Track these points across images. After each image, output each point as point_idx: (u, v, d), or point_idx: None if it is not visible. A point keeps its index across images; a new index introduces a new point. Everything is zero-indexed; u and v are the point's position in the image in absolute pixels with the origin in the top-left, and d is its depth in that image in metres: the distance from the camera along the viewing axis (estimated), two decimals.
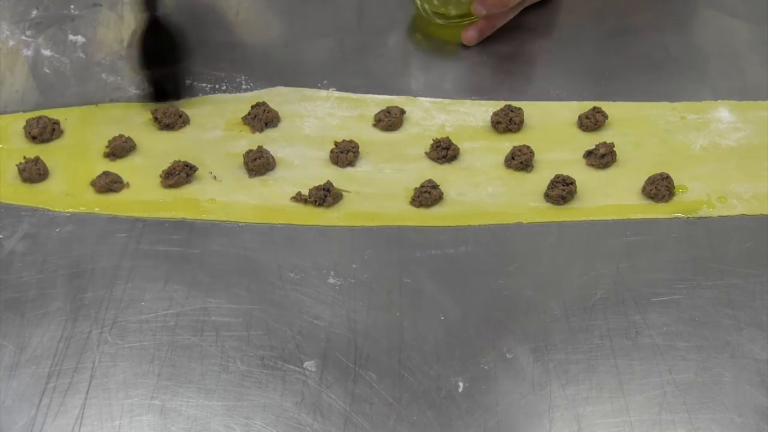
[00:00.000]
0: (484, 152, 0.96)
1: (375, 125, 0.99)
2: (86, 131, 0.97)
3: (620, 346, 0.80)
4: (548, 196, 0.92)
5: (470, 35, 1.05)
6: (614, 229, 0.89)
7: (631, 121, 0.99)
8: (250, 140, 0.97)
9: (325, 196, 0.90)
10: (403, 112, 0.99)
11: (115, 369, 0.77)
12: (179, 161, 0.92)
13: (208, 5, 1.12)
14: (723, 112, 1.00)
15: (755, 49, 1.08)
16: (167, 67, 0.99)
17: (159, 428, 0.74)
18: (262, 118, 0.97)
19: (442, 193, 0.92)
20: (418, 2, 1.06)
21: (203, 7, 1.11)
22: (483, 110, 1.00)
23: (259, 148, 0.94)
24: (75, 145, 0.96)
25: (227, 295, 0.83)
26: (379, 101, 1.01)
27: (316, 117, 0.99)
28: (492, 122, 0.98)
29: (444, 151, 0.95)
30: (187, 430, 0.74)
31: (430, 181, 0.92)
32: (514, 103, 0.99)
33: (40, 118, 0.96)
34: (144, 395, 0.76)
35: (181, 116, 0.98)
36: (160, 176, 0.92)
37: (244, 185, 0.93)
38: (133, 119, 0.98)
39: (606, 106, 0.99)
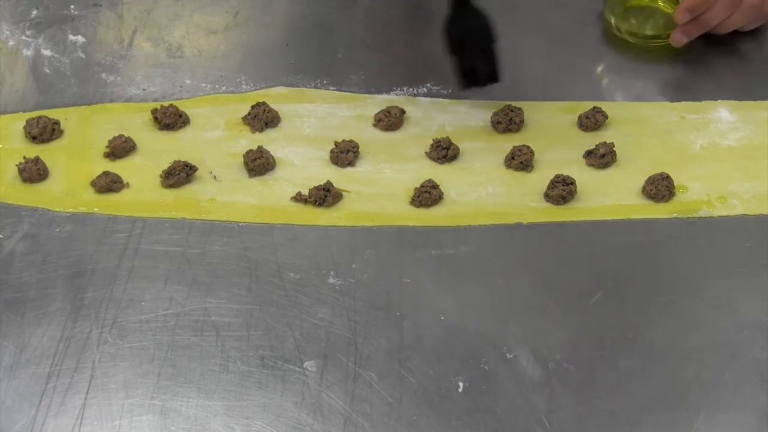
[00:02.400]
0: (484, 152, 0.96)
1: (375, 125, 0.99)
2: (86, 131, 0.97)
3: (620, 346, 0.80)
4: (548, 196, 0.92)
5: (678, 37, 1.04)
6: (614, 229, 0.89)
7: (631, 121, 0.99)
8: (250, 140, 0.96)
9: (325, 196, 0.90)
10: (403, 112, 0.99)
11: (115, 369, 0.77)
12: (179, 161, 0.92)
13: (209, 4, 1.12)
14: (723, 112, 1.00)
15: (755, 49, 1.08)
16: (480, 49, 0.95)
17: (159, 428, 0.74)
18: (262, 118, 0.97)
19: (442, 193, 0.91)
20: (613, 21, 1.08)
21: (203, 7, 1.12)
22: (483, 110, 1.00)
23: (259, 148, 0.94)
24: (75, 145, 0.96)
25: (227, 295, 0.83)
26: (379, 101, 1.01)
27: (316, 117, 0.99)
28: (492, 122, 0.98)
29: (444, 151, 0.95)
30: (187, 430, 0.74)
31: (430, 181, 0.92)
32: (514, 103, 0.99)
33: (40, 118, 0.96)
34: (144, 395, 0.76)
35: (181, 116, 0.98)
36: (160, 176, 0.92)
37: (244, 185, 0.93)
38: (133, 119, 0.98)
39: (606, 106, 0.99)
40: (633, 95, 1.02)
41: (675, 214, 0.90)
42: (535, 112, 0.99)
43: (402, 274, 0.85)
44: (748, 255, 0.87)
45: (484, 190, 0.93)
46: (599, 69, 1.06)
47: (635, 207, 0.91)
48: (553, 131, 0.99)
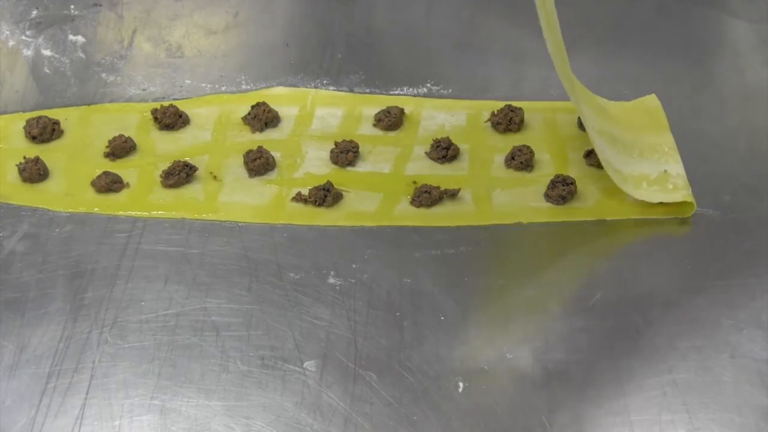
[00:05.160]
0: (484, 152, 0.96)
1: (375, 125, 0.99)
2: (86, 131, 0.97)
3: (620, 346, 0.80)
4: (548, 196, 0.92)
5: None
6: (614, 229, 0.89)
7: None
8: (250, 140, 0.97)
9: (325, 196, 0.90)
10: (402, 112, 0.99)
11: (115, 369, 0.77)
12: (179, 161, 0.92)
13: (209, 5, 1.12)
14: None
15: (755, 49, 1.08)
16: None
17: (159, 428, 0.74)
18: (262, 118, 0.97)
19: (443, 193, 0.92)
20: None
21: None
22: (483, 110, 1.00)
23: (259, 148, 0.94)
24: (75, 145, 0.96)
25: (227, 295, 0.83)
26: (379, 100, 1.01)
27: (316, 117, 0.99)
28: (492, 122, 0.98)
29: (444, 151, 0.95)
30: (187, 430, 0.74)
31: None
32: (515, 103, 0.99)
33: (40, 118, 0.96)
34: (144, 395, 0.76)
35: (181, 116, 0.98)
36: (160, 176, 0.92)
37: (244, 185, 0.93)
38: (133, 119, 0.98)
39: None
40: (632, 94, 1.02)
41: (675, 214, 0.90)
42: (535, 112, 1.00)
43: (402, 274, 0.85)
44: (748, 255, 0.87)
45: (485, 191, 0.93)
46: (599, 69, 1.06)
47: (635, 207, 0.91)
48: (553, 131, 0.99)
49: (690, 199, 0.89)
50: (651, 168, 0.92)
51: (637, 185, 0.90)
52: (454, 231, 0.89)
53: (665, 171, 0.91)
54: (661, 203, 0.90)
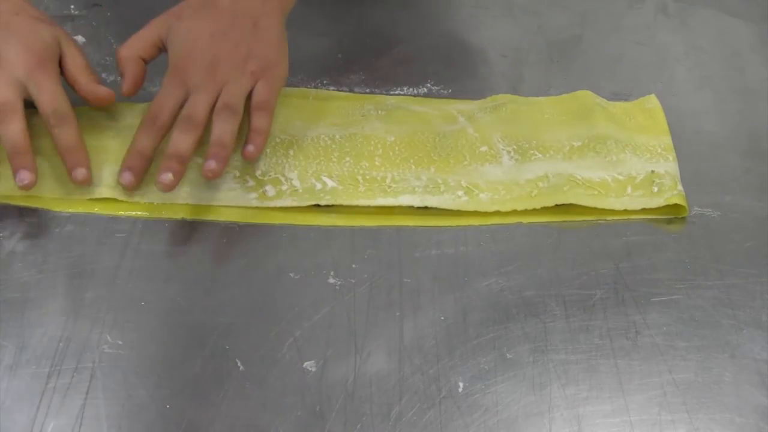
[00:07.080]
0: None
1: None
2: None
3: (620, 346, 0.80)
4: None
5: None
6: (614, 229, 0.89)
7: None
8: None
9: None
10: None
11: (115, 369, 0.77)
12: None
13: None
14: None
15: (755, 49, 1.08)
16: None
17: (159, 428, 0.74)
18: None
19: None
20: None
21: None
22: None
23: None
24: None
25: (227, 295, 0.83)
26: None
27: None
28: None
29: None
30: (187, 429, 0.74)
31: None
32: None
33: None
34: (144, 395, 0.76)
35: None
36: None
37: None
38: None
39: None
40: (632, 94, 1.02)
41: (669, 214, 0.90)
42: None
43: (402, 274, 0.85)
44: (748, 255, 0.87)
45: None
46: (599, 69, 1.06)
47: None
48: None
49: (676, 200, 0.89)
50: (639, 167, 0.92)
51: (621, 191, 0.90)
52: (454, 231, 0.89)
53: (652, 171, 0.91)
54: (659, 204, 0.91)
